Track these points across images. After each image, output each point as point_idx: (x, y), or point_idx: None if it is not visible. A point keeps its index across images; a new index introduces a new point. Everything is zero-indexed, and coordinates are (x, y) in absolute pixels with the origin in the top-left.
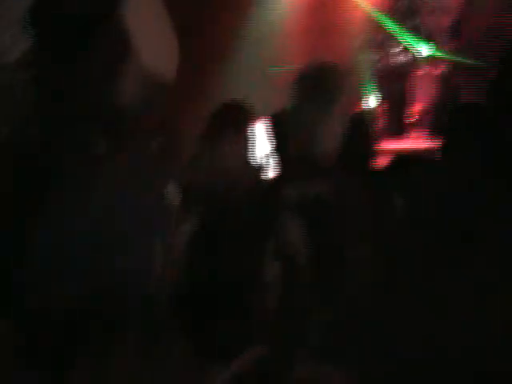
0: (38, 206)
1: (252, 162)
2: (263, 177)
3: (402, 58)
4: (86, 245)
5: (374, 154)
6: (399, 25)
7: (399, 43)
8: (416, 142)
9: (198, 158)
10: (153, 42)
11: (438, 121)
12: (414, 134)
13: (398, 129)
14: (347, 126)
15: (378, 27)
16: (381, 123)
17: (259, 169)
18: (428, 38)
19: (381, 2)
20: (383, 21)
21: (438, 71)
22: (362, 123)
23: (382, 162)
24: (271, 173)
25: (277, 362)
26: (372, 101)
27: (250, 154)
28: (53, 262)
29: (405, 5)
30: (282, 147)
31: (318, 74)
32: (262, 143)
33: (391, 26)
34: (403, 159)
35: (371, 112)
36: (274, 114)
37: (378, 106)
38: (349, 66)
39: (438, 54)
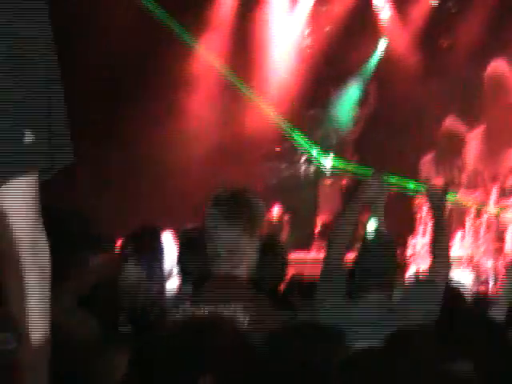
0: None
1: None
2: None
3: (307, 168)
4: None
5: (286, 271)
6: (306, 135)
7: (305, 153)
8: (320, 253)
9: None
10: None
11: None
12: (318, 245)
13: (304, 239)
14: (261, 248)
15: (285, 137)
16: (286, 234)
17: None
18: (333, 149)
19: (289, 113)
20: (290, 131)
21: (342, 182)
22: (275, 245)
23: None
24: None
25: None
26: (277, 211)
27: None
28: None
29: (312, 116)
30: (196, 265)
31: (234, 199)
32: (169, 258)
33: (298, 136)
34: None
35: (278, 224)
36: (185, 230)
37: (284, 217)
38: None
39: (343, 165)
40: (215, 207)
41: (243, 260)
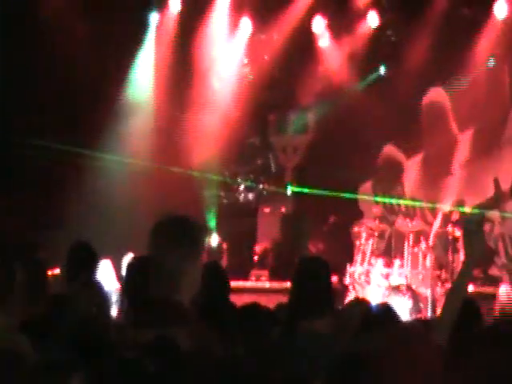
0: None
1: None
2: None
3: (247, 196)
4: None
5: (227, 297)
6: (246, 163)
7: (244, 181)
8: (258, 282)
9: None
10: None
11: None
12: (256, 273)
13: (242, 267)
14: (204, 275)
15: (225, 165)
16: (225, 261)
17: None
18: (272, 176)
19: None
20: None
21: (281, 210)
22: (217, 272)
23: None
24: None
25: None
26: (216, 239)
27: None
28: None
29: (252, 144)
30: (140, 291)
31: (177, 226)
32: (110, 283)
33: (239, 164)
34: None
35: (217, 251)
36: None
37: (223, 244)
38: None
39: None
40: (159, 234)
41: (186, 285)
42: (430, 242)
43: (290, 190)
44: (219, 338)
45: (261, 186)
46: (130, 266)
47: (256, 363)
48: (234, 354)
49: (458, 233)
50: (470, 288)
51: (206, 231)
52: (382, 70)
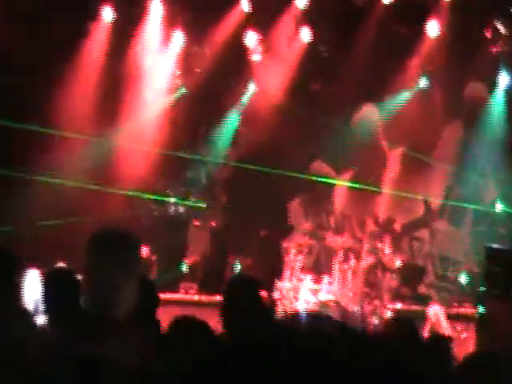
0: None
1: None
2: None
3: (176, 209)
4: None
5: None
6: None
7: (174, 194)
8: (187, 294)
9: None
10: None
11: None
12: (185, 286)
13: (170, 280)
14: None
15: (156, 178)
16: (153, 273)
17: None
18: (203, 190)
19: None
20: (160, 172)
21: (212, 224)
22: (146, 284)
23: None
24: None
25: None
26: (145, 250)
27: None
28: None
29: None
30: (73, 303)
31: (114, 240)
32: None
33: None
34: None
35: (146, 264)
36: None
37: (151, 256)
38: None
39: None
40: (94, 246)
41: (121, 299)
42: (360, 259)
43: (222, 204)
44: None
45: (192, 199)
46: (51, 277)
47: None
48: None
49: (387, 251)
50: (399, 306)
51: (140, 244)
52: (314, 85)
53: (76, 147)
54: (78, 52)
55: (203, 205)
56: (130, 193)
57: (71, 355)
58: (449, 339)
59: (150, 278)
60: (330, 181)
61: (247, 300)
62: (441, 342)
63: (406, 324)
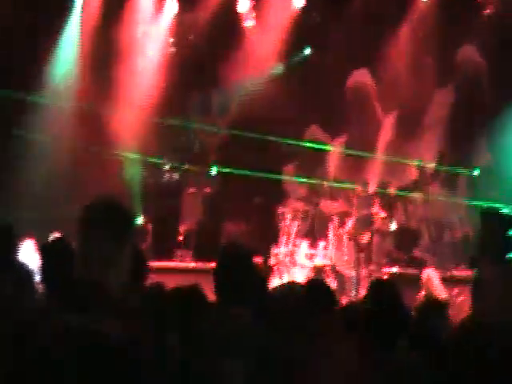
0: None
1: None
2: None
3: (170, 176)
4: None
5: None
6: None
7: (168, 162)
8: (182, 262)
9: None
10: None
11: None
12: (180, 254)
13: (166, 247)
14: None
15: (148, 145)
16: (149, 241)
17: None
18: (195, 156)
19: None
20: (153, 138)
21: (205, 191)
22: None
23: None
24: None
25: None
26: (140, 219)
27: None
28: None
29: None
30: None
31: (106, 212)
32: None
33: (161, 144)
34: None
35: (141, 232)
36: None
37: (147, 224)
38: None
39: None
40: (87, 219)
41: (115, 271)
42: (355, 224)
43: (214, 171)
44: (152, 326)
45: (185, 166)
46: (48, 248)
47: (191, 350)
48: (169, 342)
49: (382, 214)
50: (394, 269)
51: (134, 215)
52: (307, 51)
53: (70, 115)
54: (70, 20)
55: (197, 172)
56: (123, 160)
57: (63, 325)
58: (443, 303)
59: (144, 246)
60: (324, 146)
61: (240, 268)
62: (435, 306)
63: (387, 286)
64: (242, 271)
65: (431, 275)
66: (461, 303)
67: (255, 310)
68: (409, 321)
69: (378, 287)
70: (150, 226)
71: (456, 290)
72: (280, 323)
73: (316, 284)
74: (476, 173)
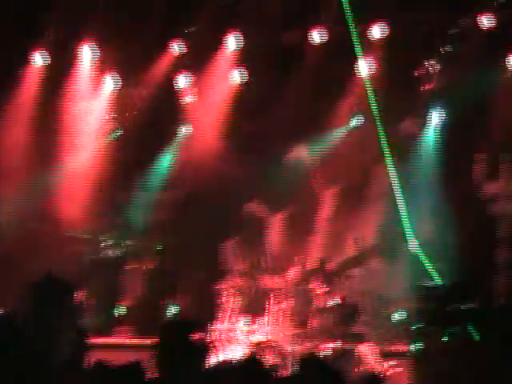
0: None
1: None
2: None
3: (112, 252)
4: None
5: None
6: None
7: (109, 237)
8: (123, 338)
9: None
10: None
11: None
12: (121, 329)
13: (106, 323)
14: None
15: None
16: (89, 317)
17: None
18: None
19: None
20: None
21: (146, 266)
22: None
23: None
24: None
25: None
26: (82, 295)
27: None
28: None
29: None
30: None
31: (49, 286)
32: None
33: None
34: None
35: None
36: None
37: (86, 299)
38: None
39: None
40: (34, 294)
41: (62, 343)
42: (292, 300)
43: (158, 246)
44: None
45: (127, 242)
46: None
47: None
48: None
49: (321, 290)
50: (332, 345)
51: (75, 290)
52: (247, 126)
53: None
54: (9, 96)
55: (138, 247)
56: (65, 236)
57: None
58: (377, 377)
59: (85, 322)
60: (263, 221)
61: (180, 343)
62: (370, 380)
63: (315, 363)
64: (183, 347)
65: (367, 350)
66: (397, 376)
67: None
68: None
69: (305, 363)
70: (90, 302)
71: (391, 364)
72: None
73: (250, 361)
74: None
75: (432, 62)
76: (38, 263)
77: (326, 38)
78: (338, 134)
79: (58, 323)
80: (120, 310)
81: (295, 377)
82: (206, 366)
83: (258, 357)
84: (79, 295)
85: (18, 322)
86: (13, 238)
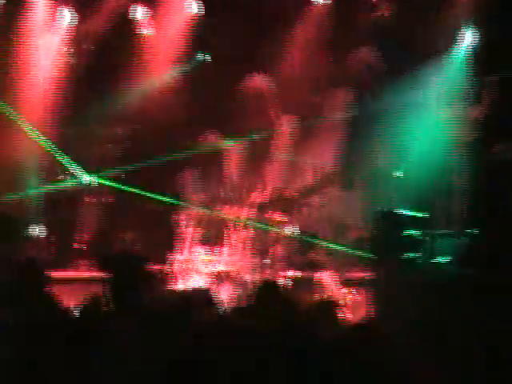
0: None
1: None
2: None
3: (68, 186)
4: None
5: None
6: (65, 154)
7: (65, 171)
8: (81, 271)
9: None
10: None
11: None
12: (80, 263)
13: (65, 257)
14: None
15: (47, 155)
16: (48, 252)
17: None
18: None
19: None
20: (51, 149)
21: (103, 200)
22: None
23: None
24: None
25: None
26: (38, 230)
27: None
28: None
29: (72, 133)
30: None
31: None
32: None
33: (58, 154)
34: None
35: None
36: None
37: (45, 235)
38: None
39: (102, 182)
40: None
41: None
42: (251, 228)
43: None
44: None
45: (81, 176)
46: None
47: None
48: None
49: (279, 218)
50: (291, 273)
51: (21, 225)
52: (201, 56)
53: None
54: None
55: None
56: (22, 169)
57: None
58: (335, 304)
59: (44, 256)
60: (220, 151)
61: (130, 275)
62: (328, 307)
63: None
64: (131, 278)
65: (326, 277)
66: (357, 303)
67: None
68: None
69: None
70: (48, 237)
71: (352, 291)
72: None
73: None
74: (398, 173)
75: None
76: None
77: None
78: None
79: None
80: (78, 244)
81: (252, 305)
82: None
83: (214, 286)
84: (39, 230)
85: None
86: None
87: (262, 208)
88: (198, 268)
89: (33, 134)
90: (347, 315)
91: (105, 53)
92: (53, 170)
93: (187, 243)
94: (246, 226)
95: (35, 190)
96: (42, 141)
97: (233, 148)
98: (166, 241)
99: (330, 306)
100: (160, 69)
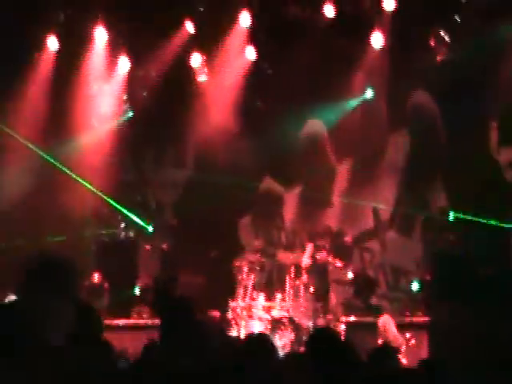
0: None
1: None
2: None
3: (126, 234)
4: None
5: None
6: (125, 200)
7: (123, 218)
8: (138, 319)
9: None
10: None
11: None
12: (136, 310)
13: (122, 304)
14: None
15: (104, 202)
16: (105, 299)
17: None
18: (152, 213)
19: (105, 178)
20: (109, 196)
21: (162, 247)
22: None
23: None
24: None
25: None
26: (96, 277)
27: None
28: None
29: (129, 181)
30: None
31: (46, 269)
32: None
33: (116, 201)
34: None
35: (98, 290)
36: None
37: (103, 282)
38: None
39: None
40: (29, 275)
41: (55, 325)
42: (311, 274)
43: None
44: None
45: (142, 223)
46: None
47: None
48: None
49: (339, 264)
50: (352, 318)
51: (77, 272)
52: (260, 102)
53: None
54: (24, 81)
55: (153, 228)
56: (78, 218)
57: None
58: (395, 348)
59: (101, 304)
60: (279, 196)
61: (181, 323)
62: (387, 352)
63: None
64: (184, 325)
65: (386, 322)
66: (415, 347)
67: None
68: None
69: (317, 336)
70: (106, 284)
71: (409, 335)
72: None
73: (256, 337)
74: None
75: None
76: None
77: (336, 12)
78: (350, 106)
79: (54, 298)
80: (135, 291)
81: (306, 352)
82: (213, 343)
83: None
84: (97, 277)
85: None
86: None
87: (321, 253)
88: (257, 314)
89: (91, 182)
90: (403, 360)
91: (162, 99)
92: (113, 217)
93: (248, 289)
94: (305, 271)
95: (94, 236)
96: (99, 189)
97: (293, 192)
98: (226, 287)
99: (392, 350)
100: (219, 116)
